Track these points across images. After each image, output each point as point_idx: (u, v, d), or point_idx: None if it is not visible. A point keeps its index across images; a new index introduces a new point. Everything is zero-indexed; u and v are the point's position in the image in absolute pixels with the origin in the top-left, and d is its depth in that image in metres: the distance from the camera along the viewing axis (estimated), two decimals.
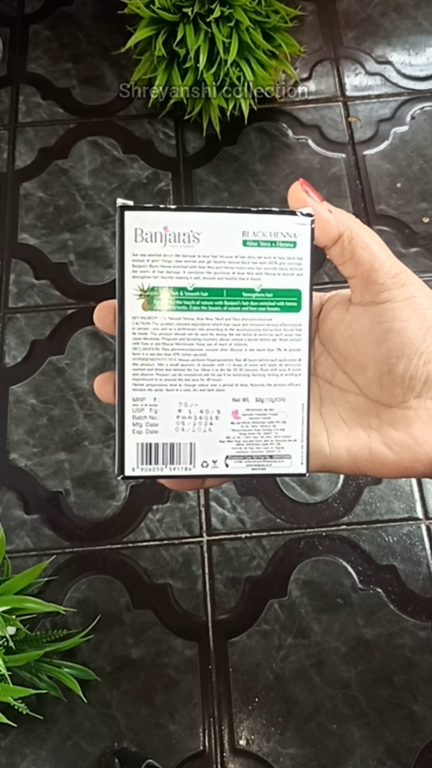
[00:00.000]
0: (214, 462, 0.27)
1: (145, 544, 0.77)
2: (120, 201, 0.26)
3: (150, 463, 0.27)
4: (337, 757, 0.68)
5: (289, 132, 0.99)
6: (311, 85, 1.03)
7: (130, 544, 0.77)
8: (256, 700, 0.71)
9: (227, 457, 0.27)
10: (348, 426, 0.29)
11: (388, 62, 1.04)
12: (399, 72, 1.03)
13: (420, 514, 0.77)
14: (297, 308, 0.27)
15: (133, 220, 0.26)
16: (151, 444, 0.27)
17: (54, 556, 0.76)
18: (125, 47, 0.91)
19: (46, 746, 0.69)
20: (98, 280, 0.91)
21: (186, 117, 0.96)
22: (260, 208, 0.27)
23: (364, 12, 1.08)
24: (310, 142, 0.99)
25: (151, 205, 0.26)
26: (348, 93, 1.02)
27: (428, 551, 0.76)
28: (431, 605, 0.74)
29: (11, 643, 0.58)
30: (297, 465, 0.28)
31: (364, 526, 0.77)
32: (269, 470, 0.28)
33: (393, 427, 0.27)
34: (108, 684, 0.71)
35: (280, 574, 0.75)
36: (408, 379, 0.27)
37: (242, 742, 0.69)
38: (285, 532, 0.77)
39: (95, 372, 0.85)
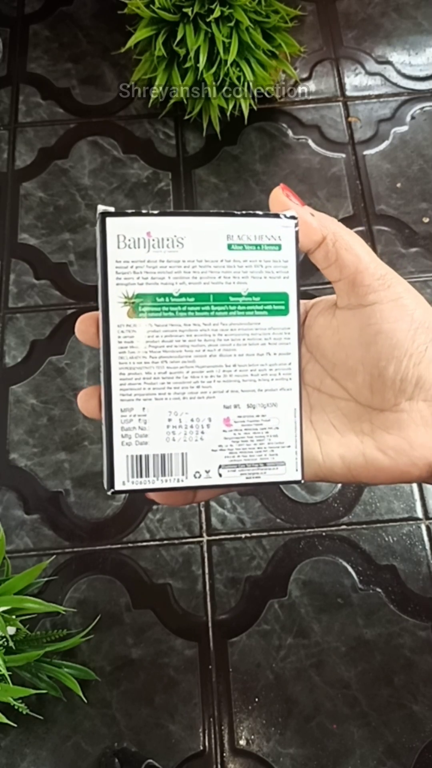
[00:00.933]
0: (207, 472, 0.26)
1: (145, 544, 0.77)
2: (101, 207, 0.26)
3: (141, 476, 0.26)
4: (337, 757, 0.68)
5: (289, 132, 0.99)
6: (311, 85, 1.03)
7: (130, 544, 0.77)
8: (256, 700, 0.71)
9: (220, 466, 0.27)
10: (340, 433, 0.28)
11: (388, 62, 1.04)
12: (399, 72, 1.03)
13: (420, 514, 0.77)
14: (285, 311, 0.27)
15: (114, 226, 0.25)
16: (141, 456, 0.26)
17: (54, 556, 0.76)
18: (125, 47, 0.91)
19: (46, 746, 0.69)
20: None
21: (186, 117, 0.96)
22: (244, 212, 0.26)
23: (364, 12, 1.08)
24: (310, 142, 0.98)
25: (132, 210, 0.26)
26: (348, 93, 1.02)
27: (428, 551, 0.76)
28: (431, 605, 0.73)
29: (11, 643, 0.58)
30: (292, 472, 0.27)
31: (364, 526, 0.77)
32: (264, 478, 0.27)
33: (386, 432, 0.27)
34: (108, 684, 0.71)
35: (280, 574, 0.75)
36: (399, 381, 0.26)
37: (242, 742, 0.69)
38: (285, 532, 0.77)
39: (95, 372, 0.85)
